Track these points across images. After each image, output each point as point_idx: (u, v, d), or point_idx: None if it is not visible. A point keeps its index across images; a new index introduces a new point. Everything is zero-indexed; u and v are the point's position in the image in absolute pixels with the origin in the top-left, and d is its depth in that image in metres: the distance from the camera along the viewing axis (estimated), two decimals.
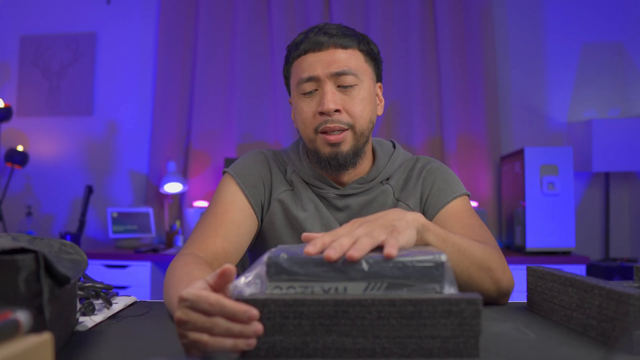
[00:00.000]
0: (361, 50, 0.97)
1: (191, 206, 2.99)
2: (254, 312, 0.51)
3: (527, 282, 0.79)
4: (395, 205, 1.03)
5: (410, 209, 1.02)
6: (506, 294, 0.84)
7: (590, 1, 3.00)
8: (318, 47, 0.95)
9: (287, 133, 3.02)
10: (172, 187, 2.89)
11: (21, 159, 2.96)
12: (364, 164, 1.03)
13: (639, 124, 2.65)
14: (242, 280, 0.56)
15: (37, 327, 0.47)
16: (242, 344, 0.51)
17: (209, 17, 3.08)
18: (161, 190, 2.93)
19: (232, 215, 0.98)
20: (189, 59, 3.14)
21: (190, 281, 0.64)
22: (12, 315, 0.38)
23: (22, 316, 0.38)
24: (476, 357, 0.52)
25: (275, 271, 0.55)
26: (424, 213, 1.02)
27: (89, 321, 0.70)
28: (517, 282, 2.33)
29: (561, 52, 3.01)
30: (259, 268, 0.56)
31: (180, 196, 3.09)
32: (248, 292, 0.55)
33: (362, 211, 1.01)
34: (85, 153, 3.19)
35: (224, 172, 1.05)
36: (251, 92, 3.07)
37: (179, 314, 0.52)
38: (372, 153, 1.06)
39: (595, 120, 2.67)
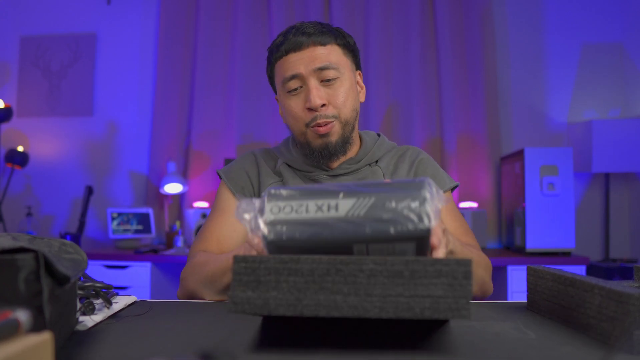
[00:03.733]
0: (339, 45, 1.03)
1: (191, 207, 2.99)
2: None
3: (527, 282, 0.79)
4: None
5: None
6: (484, 297, 1.00)
7: (590, 1, 3.00)
8: (298, 47, 1.00)
9: (287, 133, 3.02)
10: (172, 188, 2.89)
11: (21, 159, 2.96)
12: (353, 149, 1.10)
13: (639, 124, 2.65)
14: (244, 205, 0.61)
15: (37, 326, 0.47)
16: None
17: (209, 17, 3.08)
18: (161, 191, 2.93)
19: (226, 219, 1.05)
20: (189, 59, 3.14)
21: (218, 258, 0.89)
22: (12, 314, 0.38)
23: (22, 316, 0.38)
24: (467, 317, 0.52)
25: (275, 196, 0.61)
26: None
27: (89, 321, 0.69)
28: (517, 282, 2.37)
29: (561, 52, 3.01)
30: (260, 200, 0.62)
31: (180, 197, 3.09)
32: (248, 213, 0.61)
33: None
34: (85, 153, 3.19)
35: (217, 172, 1.13)
36: (251, 92, 3.07)
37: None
38: (359, 140, 1.14)
39: (595, 121, 2.67)
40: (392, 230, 0.57)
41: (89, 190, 2.88)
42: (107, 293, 0.79)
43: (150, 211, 2.94)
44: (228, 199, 1.08)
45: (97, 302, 0.78)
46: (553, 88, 3.02)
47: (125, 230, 2.83)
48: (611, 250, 2.90)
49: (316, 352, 0.55)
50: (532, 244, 2.48)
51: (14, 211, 3.11)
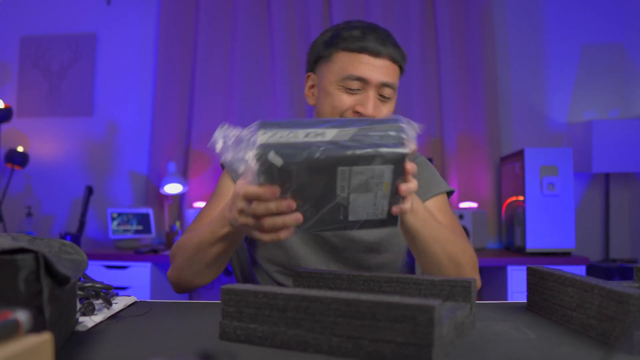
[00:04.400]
0: (400, 67, 1.06)
1: (191, 207, 2.99)
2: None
3: (527, 282, 0.79)
4: None
5: None
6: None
7: (590, 2, 3.00)
8: (376, 54, 1.00)
9: None
10: (172, 188, 2.89)
11: (21, 159, 2.96)
12: None
13: (639, 124, 2.65)
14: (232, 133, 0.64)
15: (37, 327, 0.47)
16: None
17: (209, 17, 3.08)
18: (161, 191, 2.93)
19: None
20: (189, 59, 3.14)
21: (200, 229, 0.88)
22: (12, 315, 0.38)
23: (22, 316, 0.38)
24: None
25: (264, 125, 0.64)
26: None
27: (89, 321, 0.69)
28: (517, 282, 2.36)
29: (561, 52, 3.01)
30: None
31: (180, 197, 3.09)
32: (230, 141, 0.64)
33: None
34: (85, 153, 3.19)
35: (221, 164, 1.13)
36: (251, 92, 3.07)
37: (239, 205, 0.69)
38: None
39: (595, 121, 2.67)
40: (373, 151, 0.64)
41: (89, 190, 2.87)
42: (107, 293, 0.79)
43: (150, 211, 2.94)
44: (228, 186, 1.08)
45: (97, 302, 0.78)
46: (553, 88, 3.02)
47: (125, 231, 2.83)
48: (611, 251, 2.90)
49: (316, 350, 0.55)
50: (532, 244, 2.48)
51: (14, 211, 3.11)
